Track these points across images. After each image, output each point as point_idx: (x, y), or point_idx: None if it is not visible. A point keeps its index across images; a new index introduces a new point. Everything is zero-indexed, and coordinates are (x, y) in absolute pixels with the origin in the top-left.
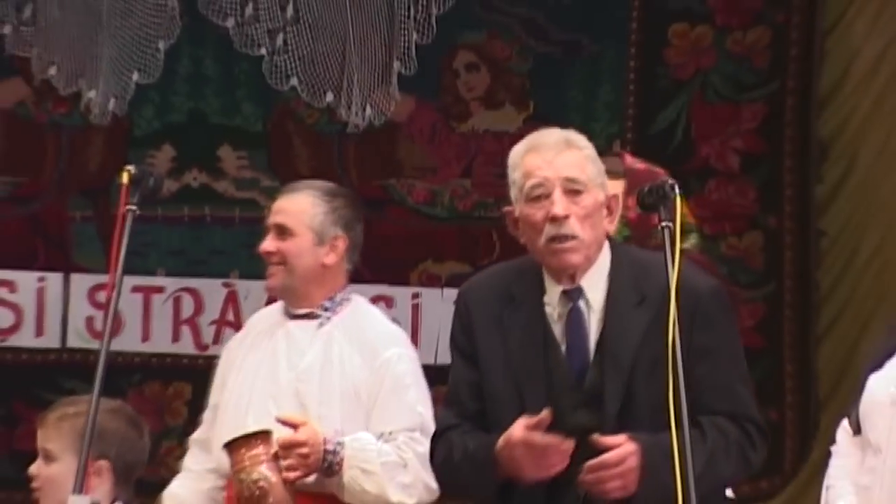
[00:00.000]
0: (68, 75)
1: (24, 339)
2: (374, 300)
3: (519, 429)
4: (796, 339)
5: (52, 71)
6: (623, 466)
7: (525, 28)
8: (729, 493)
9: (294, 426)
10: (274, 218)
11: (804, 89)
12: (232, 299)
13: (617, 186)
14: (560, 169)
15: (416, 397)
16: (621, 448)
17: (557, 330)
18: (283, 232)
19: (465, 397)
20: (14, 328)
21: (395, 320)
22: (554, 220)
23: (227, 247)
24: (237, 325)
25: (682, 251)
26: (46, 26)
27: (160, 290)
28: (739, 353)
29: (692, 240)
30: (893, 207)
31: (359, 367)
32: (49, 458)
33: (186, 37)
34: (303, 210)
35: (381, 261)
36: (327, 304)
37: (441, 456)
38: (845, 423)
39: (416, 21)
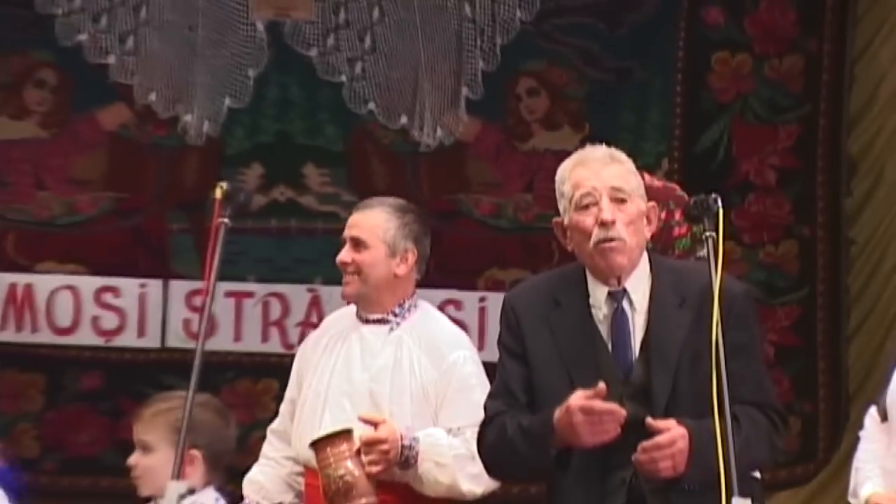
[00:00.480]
0: (167, 101)
1: (128, 339)
2: (445, 304)
3: (578, 397)
4: (828, 338)
5: (152, 97)
6: (674, 448)
7: (581, 57)
8: (756, 474)
9: (374, 424)
10: (350, 231)
11: (835, 111)
12: (315, 303)
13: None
14: (606, 180)
15: (480, 396)
16: (673, 431)
17: (603, 329)
18: (358, 244)
19: (516, 390)
20: (118, 330)
21: (461, 322)
22: (602, 224)
23: (310, 255)
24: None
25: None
26: (147, 56)
27: (250, 294)
28: (762, 349)
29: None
30: None
31: (427, 369)
32: (146, 449)
33: (274, 65)
34: (377, 224)
35: (450, 268)
36: (397, 310)
37: (493, 437)
38: (873, 410)
39: (482, 50)
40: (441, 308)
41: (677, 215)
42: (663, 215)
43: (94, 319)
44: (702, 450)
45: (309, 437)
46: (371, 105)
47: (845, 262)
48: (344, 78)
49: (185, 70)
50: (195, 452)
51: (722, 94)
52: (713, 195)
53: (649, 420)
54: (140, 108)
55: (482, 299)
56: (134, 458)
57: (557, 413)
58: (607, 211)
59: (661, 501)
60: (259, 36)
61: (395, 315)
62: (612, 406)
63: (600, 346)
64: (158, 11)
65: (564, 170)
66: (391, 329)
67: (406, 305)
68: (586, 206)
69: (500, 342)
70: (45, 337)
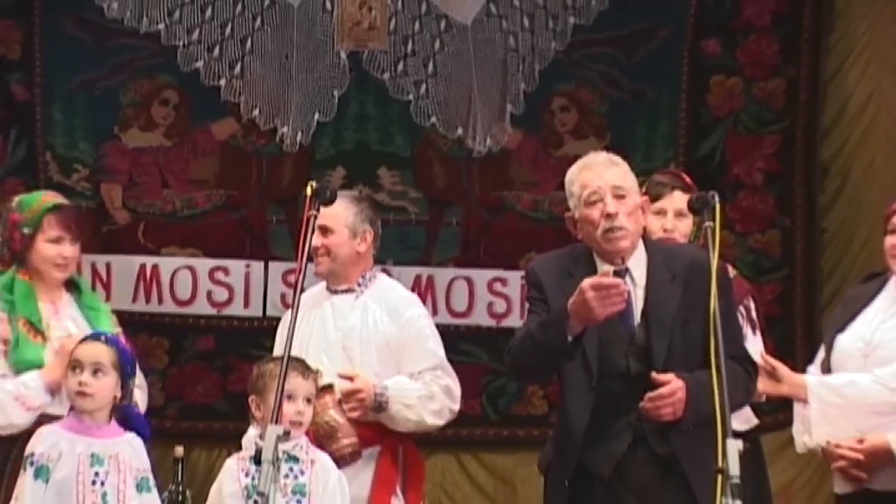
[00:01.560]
0: (267, 116)
1: (236, 310)
2: (493, 281)
3: (588, 280)
4: (805, 309)
5: (256, 112)
6: (675, 397)
7: (603, 79)
8: (755, 421)
9: (350, 378)
10: (319, 220)
11: (810, 124)
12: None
13: (683, 198)
14: (608, 180)
15: (434, 344)
16: (673, 383)
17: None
18: (325, 231)
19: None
20: (228, 302)
21: (505, 296)
22: (608, 216)
23: (384, 241)
24: None
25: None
26: (251, 79)
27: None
28: (736, 313)
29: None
30: (877, 211)
31: (388, 325)
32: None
33: (354, 85)
34: (339, 213)
35: (497, 252)
36: (361, 280)
37: (517, 339)
38: (813, 368)
39: (523, 74)
40: (489, 285)
41: None
42: None
43: (209, 293)
44: (696, 398)
45: None
46: (433, 119)
47: (819, 248)
48: (411, 97)
49: (282, 90)
50: None
51: (718, 110)
52: (711, 192)
53: (654, 375)
54: (246, 121)
55: (522, 278)
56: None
57: (571, 299)
58: (611, 205)
59: (661, 440)
60: (342, 63)
61: (360, 285)
62: (618, 280)
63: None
64: (261, 43)
65: (572, 173)
66: (357, 296)
67: (367, 276)
68: (593, 203)
69: (528, 297)
70: (169, 308)
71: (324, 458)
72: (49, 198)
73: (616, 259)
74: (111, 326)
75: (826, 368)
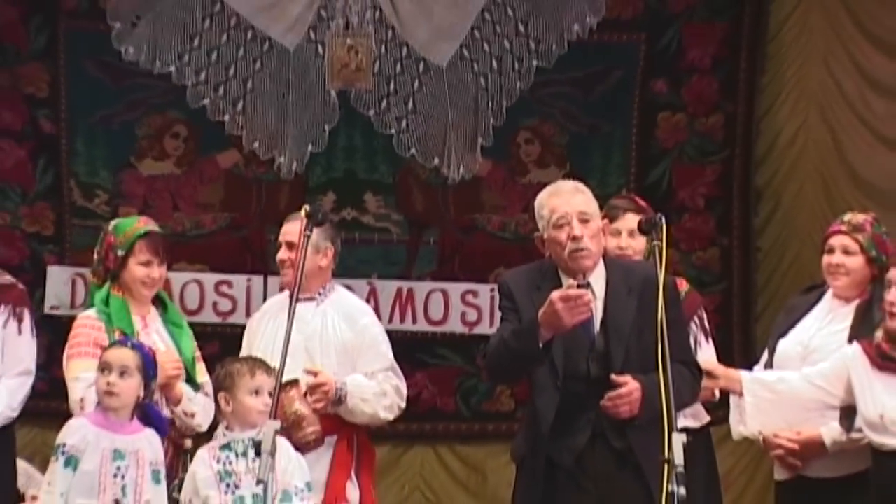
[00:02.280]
0: (266, 147)
1: (238, 318)
2: (465, 293)
3: (556, 293)
4: (742, 319)
5: (256, 144)
6: (632, 397)
7: (563, 115)
8: (706, 419)
9: (315, 374)
10: (285, 237)
11: (746, 155)
12: (373, 292)
13: (635, 219)
14: (575, 206)
15: (386, 349)
16: (630, 384)
17: None
18: (291, 246)
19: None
20: (231, 312)
21: (476, 307)
22: (574, 239)
23: (369, 258)
24: (377, 310)
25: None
26: (252, 115)
27: (348, 287)
28: (684, 322)
29: None
30: (805, 232)
31: (345, 331)
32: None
33: (343, 120)
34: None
35: (470, 267)
36: (321, 291)
37: (492, 345)
38: (758, 368)
39: (492, 110)
40: (463, 296)
41: None
42: None
43: (214, 304)
44: (651, 397)
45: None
46: (413, 150)
47: (753, 264)
48: (393, 131)
49: (279, 125)
50: None
51: (665, 142)
52: (659, 215)
53: (613, 377)
54: (247, 152)
55: (492, 290)
56: None
57: (541, 310)
58: (577, 229)
59: (618, 435)
60: (332, 100)
61: (320, 294)
62: (583, 291)
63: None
64: (260, 83)
65: (542, 198)
66: (317, 304)
67: (327, 287)
68: (561, 226)
69: (500, 306)
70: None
71: (284, 443)
72: (141, 224)
73: (578, 275)
74: (189, 342)
75: (769, 369)
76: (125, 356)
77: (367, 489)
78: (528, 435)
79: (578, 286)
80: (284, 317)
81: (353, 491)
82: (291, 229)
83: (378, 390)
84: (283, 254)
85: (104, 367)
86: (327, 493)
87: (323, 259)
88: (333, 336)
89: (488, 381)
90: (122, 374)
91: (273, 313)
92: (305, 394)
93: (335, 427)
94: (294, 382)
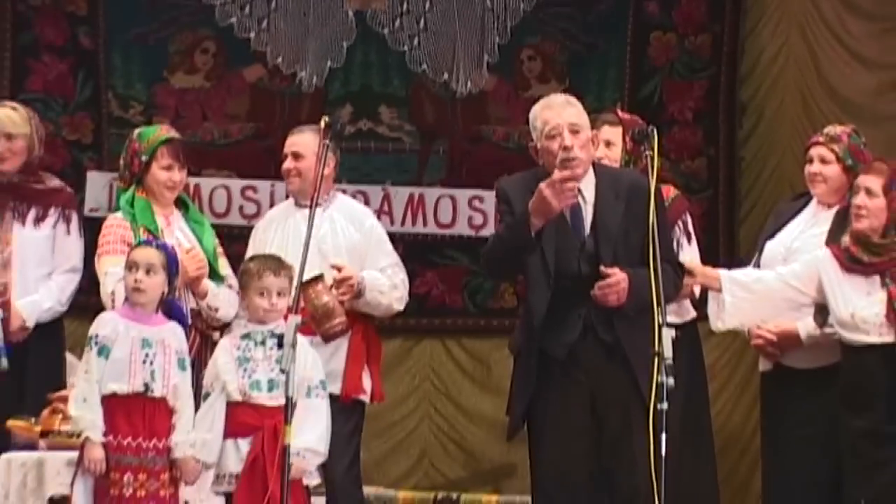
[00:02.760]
0: (289, 62)
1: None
2: (472, 198)
3: (543, 182)
4: (726, 223)
5: (279, 60)
6: (619, 286)
7: (563, 34)
8: (693, 314)
9: (340, 269)
10: (290, 148)
11: (731, 72)
12: (386, 197)
13: (616, 131)
14: (566, 118)
15: (389, 247)
16: (618, 275)
17: (567, 216)
18: (297, 156)
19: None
20: (256, 215)
21: (482, 211)
22: (565, 149)
23: (383, 166)
24: (391, 214)
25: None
26: (275, 33)
27: (344, 191)
28: (667, 224)
29: None
30: (785, 144)
31: (352, 232)
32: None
33: (359, 38)
34: (308, 142)
35: (477, 174)
36: (326, 197)
37: (489, 243)
38: (749, 268)
39: (497, 30)
40: (470, 202)
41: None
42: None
43: (240, 207)
44: (636, 287)
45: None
46: (424, 66)
47: (737, 173)
48: (406, 48)
49: (300, 42)
50: None
51: (656, 60)
52: (650, 126)
53: (602, 267)
54: (271, 67)
55: (500, 185)
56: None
57: (531, 200)
58: (567, 139)
59: (606, 329)
60: (350, 19)
61: (325, 201)
62: (567, 173)
63: (564, 226)
64: (284, 3)
65: (535, 111)
66: (324, 210)
67: (331, 194)
68: (553, 136)
69: (497, 209)
70: (209, 219)
71: (303, 340)
72: (163, 132)
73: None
74: (211, 238)
75: (757, 268)
76: (151, 255)
77: (376, 379)
78: (523, 329)
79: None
80: (292, 222)
81: (367, 380)
82: (298, 140)
83: (390, 283)
84: (288, 163)
85: (131, 266)
86: (345, 382)
87: (326, 168)
88: (343, 237)
89: (487, 275)
90: (147, 271)
91: (281, 220)
92: (332, 287)
93: (351, 321)
94: (319, 277)
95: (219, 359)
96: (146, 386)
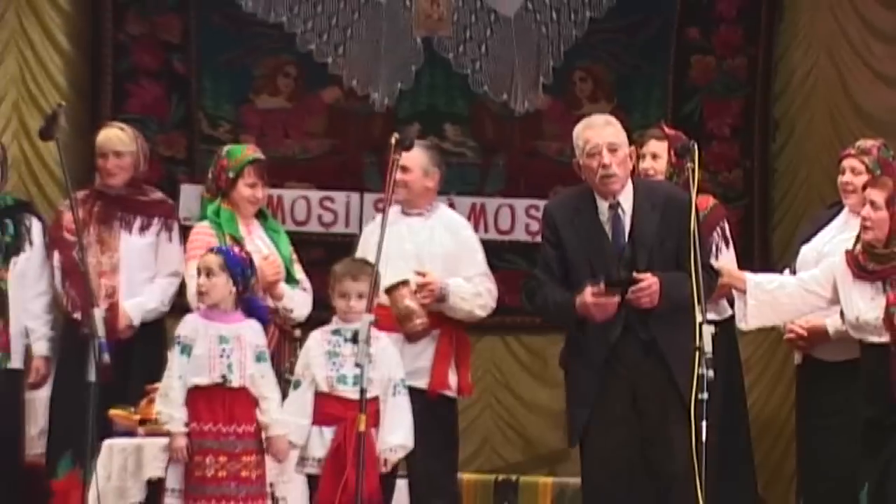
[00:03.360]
0: (362, 84)
1: (339, 228)
2: (529, 207)
3: (588, 295)
4: (761, 229)
5: (354, 82)
6: (651, 289)
7: (612, 58)
8: (729, 312)
9: (423, 275)
10: (400, 162)
11: (765, 91)
12: (451, 207)
13: (662, 145)
14: (605, 137)
15: (481, 258)
16: (650, 279)
17: (607, 227)
18: (405, 169)
19: (554, 266)
20: (333, 223)
21: (537, 219)
22: (603, 167)
23: (448, 178)
24: None
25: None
26: (351, 58)
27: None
28: (702, 233)
29: None
30: (814, 156)
31: (448, 241)
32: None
33: (426, 62)
34: (416, 157)
35: (533, 185)
36: (428, 208)
37: (539, 302)
38: (787, 271)
39: (552, 54)
40: (526, 210)
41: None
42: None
43: (319, 216)
44: (668, 290)
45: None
46: (485, 87)
47: (771, 183)
48: (469, 71)
49: (373, 66)
50: None
51: (697, 80)
52: (692, 141)
53: (635, 274)
54: (347, 89)
55: (546, 207)
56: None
57: (577, 302)
58: (606, 158)
59: (643, 328)
60: (418, 45)
61: (427, 211)
62: (610, 298)
63: (604, 237)
64: (358, 31)
65: (578, 130)
66: (425, 219)
67: (433, 205)
68: (593, 155)
69: (542, 237)
70: (290, 227)
71: (386, 341)
72: (250, 152)
73: (609, 197)
74: (287, 245)
75: (793, 270)
76: (208, 260)
77: (464, 376)
78: (568, 343)
79: (609, 206)
80: (395, 229)
81: (452, 377)
82: (408, 155)
83: (474, 291)
84: (399, 175)
85: (198, 272)
86: (431, 379)
87: (430, 181)
88: (439, 245)
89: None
90: (207, 275)
91: (388, 223)
92: (415, 291)
93: (439, 322)
94: (405, 282)
95: (310, 350)
96: (224, 377)
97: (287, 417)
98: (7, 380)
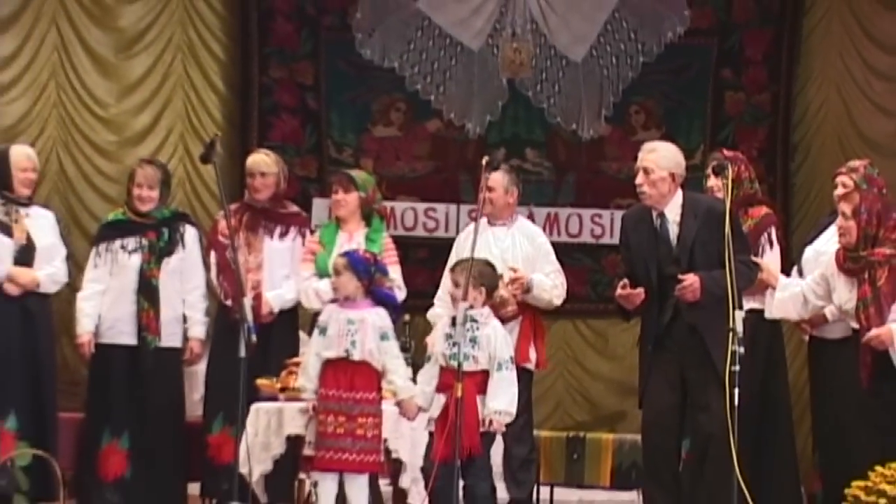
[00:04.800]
0: (459, 117)
1: (441, 233)
2: (594, 215)
3: (619, 289)
4: (783, 233)
5: (452, 115)
6: (693, 286)
7: (661, 94)
8: (750, 304)
9: (515, 270)
10: (488, 183)
11: (786, 121)
12: (531, 216)
13: (734, 170)
14: (642, 162)
15: (553, 258)
16: (691, 277)
17: (659, 231)
18: (490, 189)
19: (624, 264)
20: (435, 229)
21: (602, 226)
22: (637, 185)
23: (528, 193)
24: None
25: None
26: (450, 95)
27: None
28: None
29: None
30: (826, 174)
31: (527, 246)
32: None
33: (511, 98)
34: (499, 179)
35: (597, 198)
36: (510, 219)
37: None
38: (795, 269)
39: (612, 91)
40: (591, 218)
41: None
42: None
43: (424, 223)
44: (709, 286)
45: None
46: (558, 118)
47: (791, 195)
48: (545, 105)
49: (468, 102)
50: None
51: (730, 112)
52: (726, 161)
53: (679, 275)
54: (446, 120)
55: (612, 214)
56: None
57: (617, 294)
58: (639, 178)
59: (690, 314)
60: (503, 85)
61: (509, 222)
62: (636, 291)
63: (658, 239)
64: (455, 74)
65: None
66: (508, 229)
67: (514, 217)
68: (637, 174)
69: (620, 243)
70: (400, 232)
71: (496, 324)
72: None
73: (654, 209)
74: (379, 248)
75: (799, 267)
76: (336, 262)
77: (541, 352)
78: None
79: (658, 214)
80: (484, 236)
81: (532, 353)
82: (492, 176)
83: (552, 284)
84: (483, 194)
85: (334, 272)
86: (516, 354)
87: (510, 198)
88: (519, 249)
89: None
90: (337, 274)
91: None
92: (507, 284)
93: (522, 309)
94: (500, 277)
95: (436, 332)
96: (347, 352)
97: (412, 385)
98: (165, 357)
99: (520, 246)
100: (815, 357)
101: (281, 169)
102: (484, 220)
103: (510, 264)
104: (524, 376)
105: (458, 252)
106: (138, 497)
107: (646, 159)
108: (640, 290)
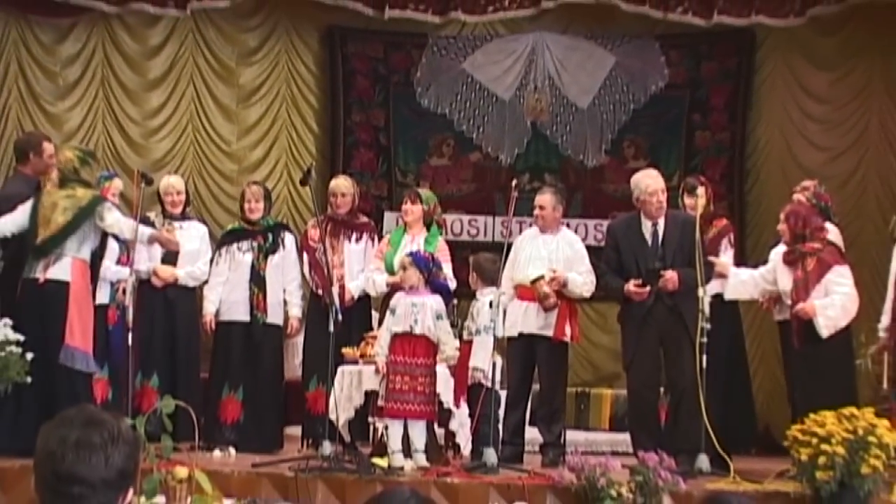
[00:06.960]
0: (494, 150)
1: (480, 238)
2: (596, 224)
3: (631, 285)
4: (738, 239)
5: (489, 149)
6: (672, 279)
7: (647, 132)
8: (716, 290)
9: (554, 271)
10: (539, 202)
11: (741, 153)
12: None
13: (700, 189)
14: (660, 184)
15: (587, 260)
16: (671, 273)
17: (648, 238)
18: (542, 207)
19: (612, 261)
20: (476, 235)
21: (602, 232)
22: (659, 202)
23: None
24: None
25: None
26: (487, 134)
27: (524, 222)
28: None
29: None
30: (771, 193)
31: (567, 250)
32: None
33: (533, 136)
34: (549, 199)
35: (598, 211)
36: (556, 229)
37: (603, 283)
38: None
39: (610, 130)
40: (594, 226)
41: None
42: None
43: (468, 231)
44: (685, 279)
45: (526, 277)
46: (569, 151)
47: (746, 210)
48: (559, 141)
49: (500, 138)
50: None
51: (700, 145)
52: (695, 181)
53: (662, 271)
54: (484, 153)
55: (609, 224)
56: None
57: (625, 288)
58: (662, 197)
59: (668, 298)
60: (528, 126)
61: (556, 231)
62: (643, 289)
63: (645, 244)
64: (491, 117)
65: (639, 178)
66: (554, 236)
67: (558, 227)
68: (652, 193)
69: (605, 243)
70: (449, 237)
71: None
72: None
73: (653, 219)
74: (434, 249)
75: (765, 262)
76: (403, 260)
77: (574, 329)
78: (623, 308)
79: (643, 281)
80: (535, 242)
81: (568, 329)
82: (541, 197)
83: (583, 281)
84: (538, 212)
85: (402, 267)
86: (555, 330)
87: (557, 213)
88: (562, 253)
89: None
90: (404, 269)
91: (529, 239)
92: (549, 282)
93: (560, 298)
94: (542, 277)
95: (474, 308)
96: (410, 328)
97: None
98: (270, 331)
99: (562, 250)
100: (783, 334)
101: (356, 190)
102: (535, 230)
103: (553, 265)
104: (563, 347)
105: (515, 254)
106: (248, 436)
107: (662, 182)
108: (647, 289)
